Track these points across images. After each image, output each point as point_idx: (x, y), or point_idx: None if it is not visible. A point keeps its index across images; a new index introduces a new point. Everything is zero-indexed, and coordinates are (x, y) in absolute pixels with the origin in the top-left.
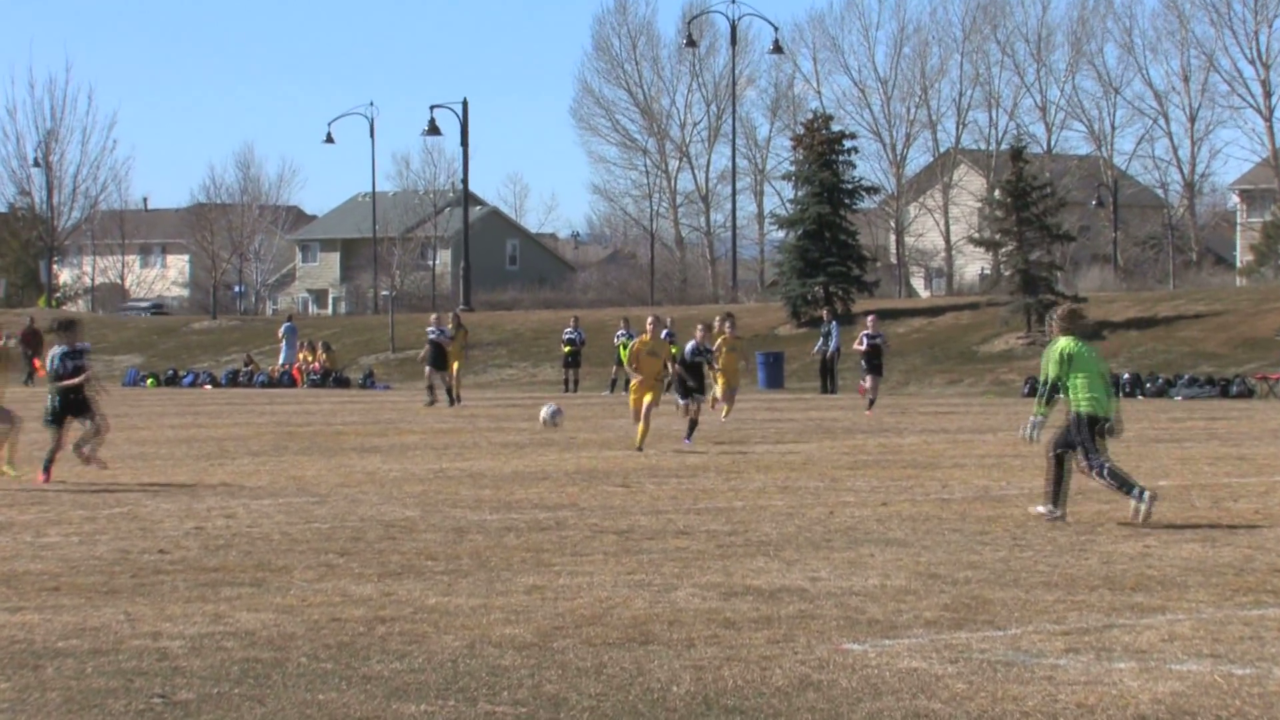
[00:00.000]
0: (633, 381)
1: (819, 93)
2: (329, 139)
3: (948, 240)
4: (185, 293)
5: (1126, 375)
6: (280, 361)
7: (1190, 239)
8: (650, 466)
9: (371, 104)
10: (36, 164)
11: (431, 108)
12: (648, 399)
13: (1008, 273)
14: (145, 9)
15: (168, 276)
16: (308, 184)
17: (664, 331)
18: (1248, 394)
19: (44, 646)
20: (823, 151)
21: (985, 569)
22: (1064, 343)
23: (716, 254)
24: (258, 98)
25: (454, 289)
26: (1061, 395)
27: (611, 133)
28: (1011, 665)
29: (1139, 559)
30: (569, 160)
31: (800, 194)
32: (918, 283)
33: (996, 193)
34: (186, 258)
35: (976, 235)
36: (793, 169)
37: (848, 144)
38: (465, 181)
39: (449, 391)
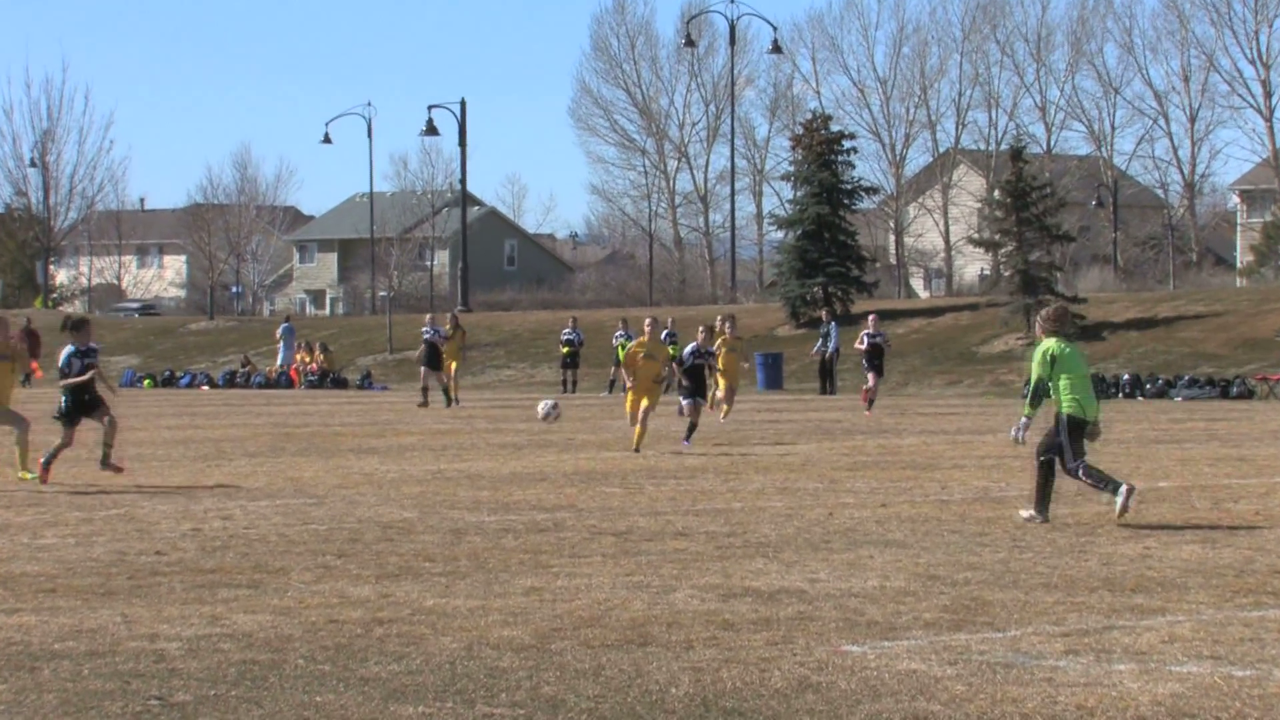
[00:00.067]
0: (629, 389)
1: (818, 93)
2: (326, 139)
3: (947, 241)
4: (182, 293)
5: (1126, 376)
6: (279, 362)
7: (1190, 239)
8: (649, 468)
9: (369, 104)
10: (33, 164)
11: (429, 108)
12: (645, 402)
13: (1007, 273)
14: (142, 9)
15: (165, 277)
16: (305, 184)
17: (664, 332)
18: (1248, 395)
19: (40, 648)
20: (822, 152)
21: (985, 570)
22: (1050, 344)
23: (715, 254)
24: (255, 98)
25: (452, 289)
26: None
27: (610, 133)
28: (1011, 667)
29: (1139, 560)
30: (567, 161)
31: (799, 194)
32: (917, 283)
33: (996, 193)
34: (183, 258)
35: (976, 236)
36: (792, 169)
37: (847, 144)
38: (463, 182)
39: (445, 392)
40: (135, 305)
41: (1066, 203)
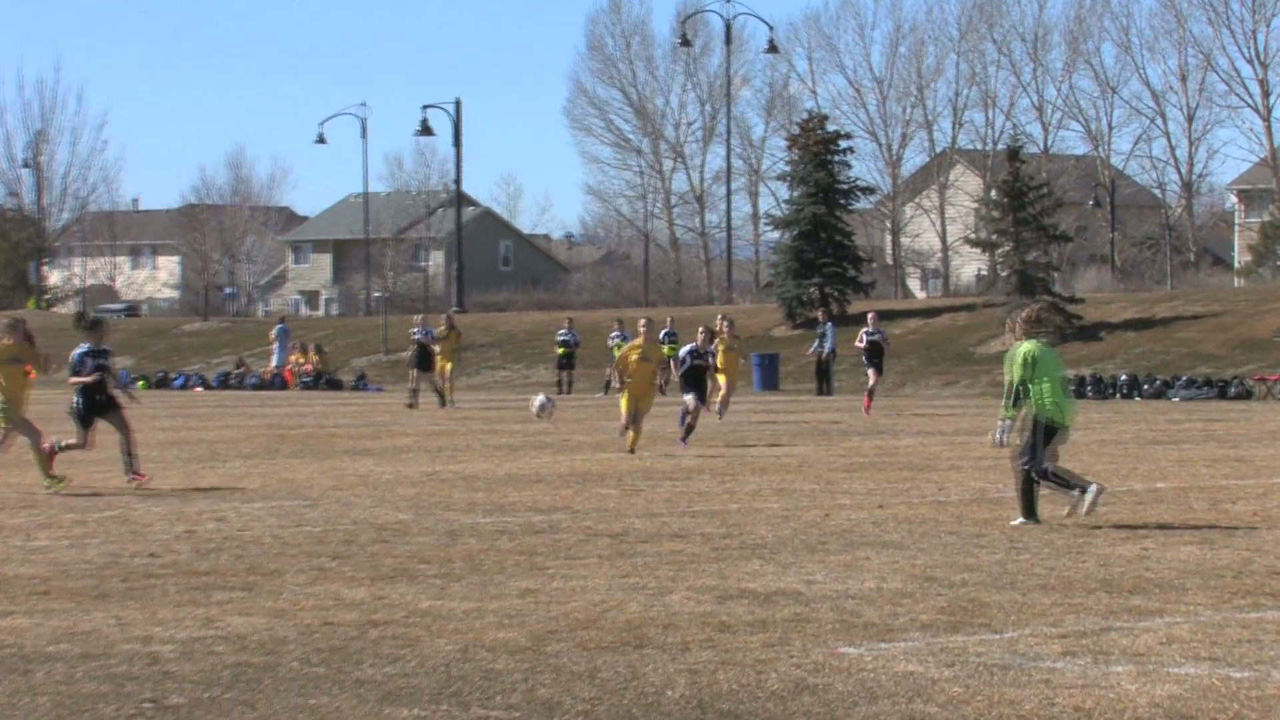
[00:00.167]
0: (625, 389)
1: (814, 92)
2: (320, 139)
3: (944, 241)
4: (176, 294)
5: (1124, 376)
6: (274, 363)
7: (1188, 239)
8: (644, 469)
9: (363, 104)
10: (26, 165)
11: (424, 108)
12: (640, 405)
13: (1004, 273)
14: (135, 9)
15: (158, 278)
16: (299, 185)
17: (663, 331)
18: (1246, 395)
19: (34, 651)
20: (818, 152)
21: (982, 572)
22: (1027, 346)
23: (711, 255)
24: (249, 98)
25: (447, 290)
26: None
27: (605, 133)
28: (1008, 669)
29: (1136, 562)
30: (563, 161)
31: (795, 194)
32: (914, 284)
33: (993, 193)
34: (177, 259)
35: (973, 236)
36: (788, 169)
37: (843, 144)
38: (458, 182)
39: (439, 393)
40: (119, 307)
41: (1063, 203)
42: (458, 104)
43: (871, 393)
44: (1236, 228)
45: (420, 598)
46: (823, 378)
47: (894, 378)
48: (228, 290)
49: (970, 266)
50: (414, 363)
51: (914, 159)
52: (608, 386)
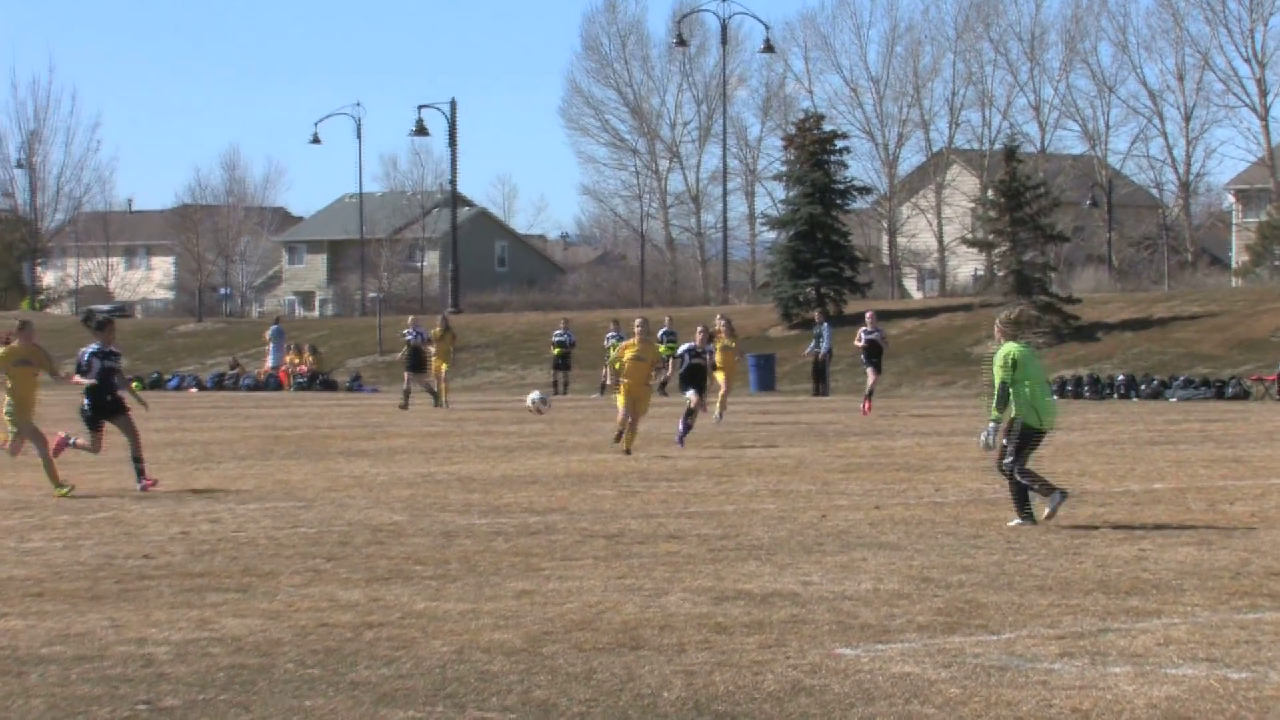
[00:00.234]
0: (621, 385)
1: (810, 92)
2: (315, 140)
3: (941, 241)
4: (170, 295)
5: (1121, 377)
6: (269, 364)
7: (1185, 239)
8: (640, 470)
9: (358, 104)
10: (20, 165)
11: (419, 108)
12: (636, 406)
13: (1001, 274)
14: (129, 9)
15: (153, 279)
16: (294, 185)
17: (662, 331)
18: (1243, 396)
19: (27, 653)
20: (814, 151)
21: (979, 573)
22: (1010, 348)
23: (707, 255)
24: (243, 98)
25: (442, 291)
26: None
27: (601, 133)
28: (1005, 670)
29: (1134, 563)
30: (558, 161)
31: (792, 194)
32: (910, 284)
33: (990, 193)
34: (171, 259)
35: (970, 236)
36: (784, 169)
37: (840, 144)
38: (453, 182)
39: (433, 393)
40: (107, 308)
41: (1061, 202)
42: (453, 104)
43: (870, 394)
44: (1234, 227)
45: (416, 599)
46: (819, 378)
47: (890, 378)
48: (222, 291)
49: (967, 266)
50: (407, 364)
51: (911, 159)
52: (603, 387)
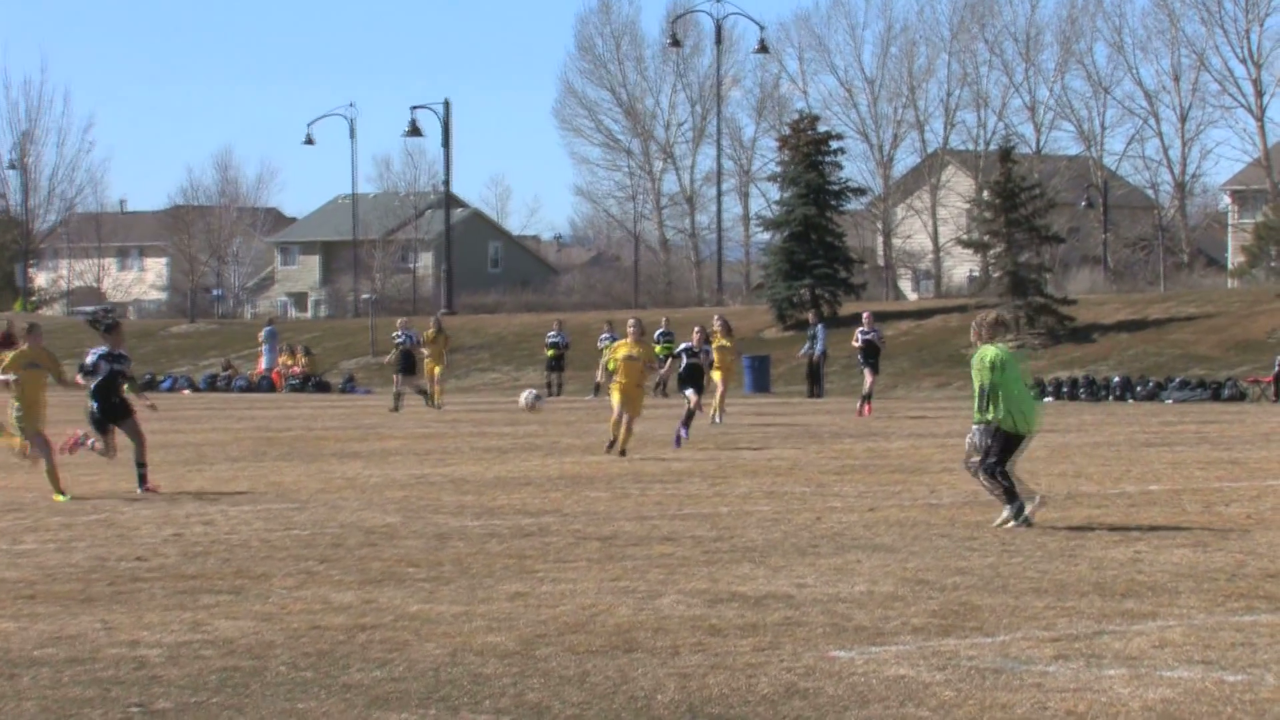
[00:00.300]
0: (614, 384)
1: (805, 93)
2: (309, 140)
3: (936, 242)
4: (163, 296)
5: (1117, 378)
6: (263, 366)
7: (1181, 240)
8: (635, 472)
9: (352, 105)
10: (12, 166)
11: (412, 109)
12: (629, 407)
13: (996, 275)
14: (122, 9)
15: (145, 280)
16: (287, 186)
17: (658, 332)
18: (1240, 397)
19: (20, 655)
20: (809, 152)
21: (974, 575)
22: (991, 351)
23: (701, 256)
24: (236, 98)
25: (435, 292)
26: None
27: (595, 134)
28: (1000, 672)
29: (1129, 565)
30: (552, 162)
31: (786, 195)
32: (905, 285)
33: (985, 194)
34: (164, 260)
35: (965, 237)
36: (778, 170)
37: (834, 145)
38: (447, 183)
39: (425, 394)
40: (91, 309)
41: (1056, 203)
42: (446, 105)
43: (869, 397)
44: (1230, 228)
45: (409, 601)
46: (814, 379)
47: (886, 379)
48: (215, 292)
49: (962, 268)
50: (397, 367)
51: (905, 160)
52: (597, 388)
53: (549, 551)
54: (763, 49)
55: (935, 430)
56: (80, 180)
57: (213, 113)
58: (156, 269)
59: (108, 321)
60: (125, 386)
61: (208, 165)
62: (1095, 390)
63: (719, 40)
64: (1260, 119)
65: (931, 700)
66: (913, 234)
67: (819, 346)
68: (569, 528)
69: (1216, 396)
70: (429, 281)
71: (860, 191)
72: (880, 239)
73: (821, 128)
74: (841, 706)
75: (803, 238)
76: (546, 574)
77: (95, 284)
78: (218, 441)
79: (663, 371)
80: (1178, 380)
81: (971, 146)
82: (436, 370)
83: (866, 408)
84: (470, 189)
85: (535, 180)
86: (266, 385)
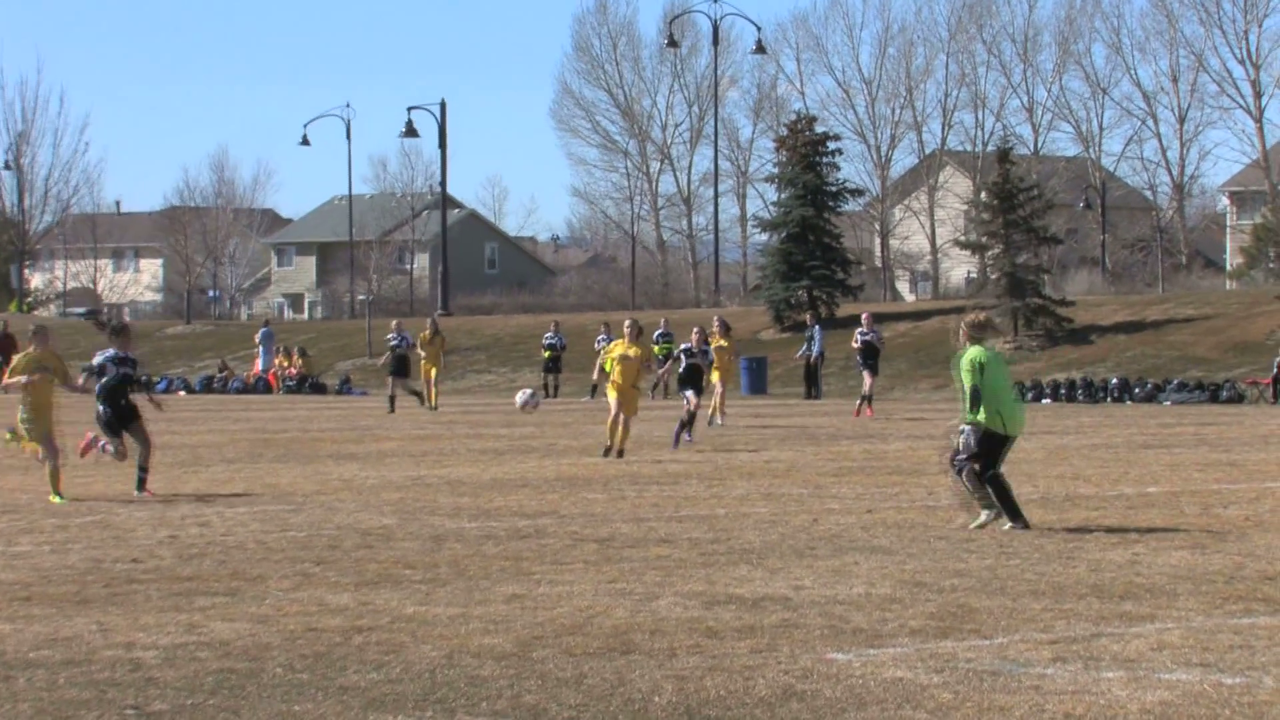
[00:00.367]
0: (610, 384)
1: (802, 94)
2: (305, 141)
3: (933, 243)
4: (159, 297)
5: (1115, 380)
6: (259, 367)
7: (1179, 241)
8: (631, 473)
9: (348, 105)
10: (7, 167)
11: (409, 109)
12: (625, 408)
13: (994, 276)
14: (118, 10)
15: (141, 281)
16: (283, 187)
17: (657, 333)
18: (1238, 399)
19: (15, 657)
20: (806, 153)
21: (971, 577)
22: (976, 351)
23: (698, 257)
24: (232, 99)
25: (432, 293)
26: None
27: (592, 134)
28: (998, 675)
29: (1127, 567)
30: (549, 163)
31: (783, 196)
32: (903, 286)
33: (983, 195)
34: (160, 261)
35: (963, 238)
36: (776, 171)
37: (831, 145)
38: (443, 184)
39: (418, 394)
40: (81, 311)
41: (1054, 204)
42: (443, 105)
43: (870, 399)
44: (1228, 230)
45: (405, 603)
46: (811, 381)
47: (883, 380)
48: (211, 293)
49: (960, 269)
50: (391, 370)
51: (903, 160)
52: (594, 390)
53: (546, 553)
54: (760, 49)
55: (933, 432)
56: (76, 181)
57: (209, 113)
58: (152, 270)
59: (116, 324)
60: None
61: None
62: (1093, 392)
63: (716, 41)
64: (1259, 120)
65: (929, 702)
66: (910, 235)
67: (816, 348)
68: (566, 529)
69: (1215, 398)
70: (425, 282)
71: (858, 192)
72: (878, 240)
73: (819, 128)
74: (839, 709)
75: (800, 239)
76: (543, 576)
77: (90, 285)
78: (213, 443)
79: (661, 372)
80: (1176, 382)
81: (969, 147)
82: (433, 372)
83: (868, 410)
84: (467, 190)
85: (532, 181)
86: (262, 387)
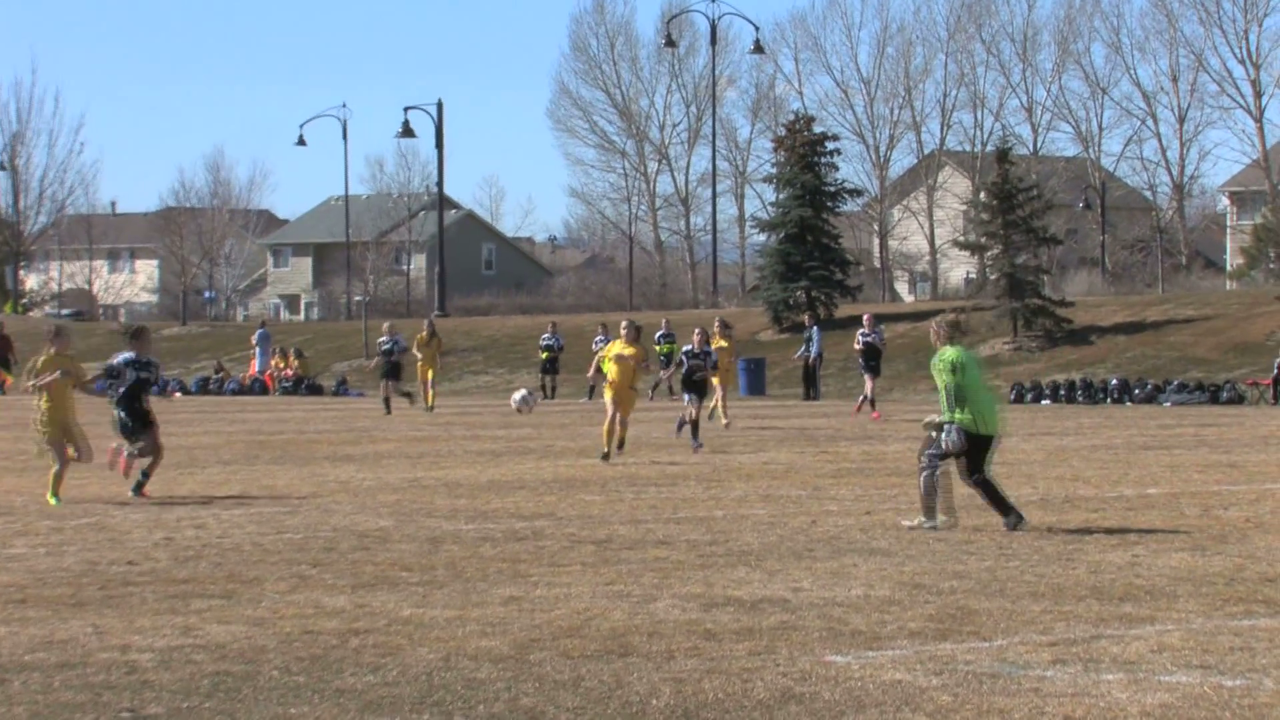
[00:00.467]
0: (608, 385)
1: (801, 93)
2: (301, 141)
3: (932, 244)
4: (154, 298)
5: (1115, 381)
6: (255, 368)
7: (1179, 242)
8: (629, 475)
9: (344, 105)
10: (2, 168)
11: (405, 109)
12: (621, 409)
13: (993, 276)
14: (113, 10)
15: (136, 282)
16: (279, 187)
17: (658, 334)
18: (1238, 400)
19: (10, 660)
20: (805, 153)
21: (971, 579)
22: (951, 352)
23: (696, 258)
24: (228, 100)
25: (429, 294)
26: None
27: (589, 134)
28: (997, 677)
29: (1127, 568)
30: (546, 163)
31: (782, 197)
32: (902, 287)
33: (982, 195)
34: (156, 263)
35: (962, 238)
36: (774, 171)
37: (830, 146)
38: (440, 184)
39: (407, 395)
40: (68, 312)
41: (1053, 205)
42: (439, 105)
43: (873, 402)
44: (1228, 230)
45: (402, 605)
46: (810, 382)
47: (882, 382)
48: (207, 294)
49: (959, 269)
50: (383, 373)
51: (902, 160)
52: (591, 391)
53: (543, 555)
54: (758, 49)
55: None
56: (71, 182)
57: (204, 114)
58: (147, 271)
59: (133, 328)
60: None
61: (199, 166)
62: (1093, 393)
63: (714, 41)
64: (1259, 120)
65: (928, 705)
66: (909, 235)
67: (814, 349)
68: (563, 531)
69: (1215, 399)
70: (422, 283)
71: (856, 193)
72: (876, 241)
73: (817, 128)
74: (838, 711)
75: (798, 239)
76: (540, 578)
77: (86, 286)
78: (209, 445)
79: (663, 375)
80: (1176, 383)
81: (968, 147)
82: (430, 373)
83: (873, 413)
84: (464, 190)
85: (529, 181)
86: (259, 388)
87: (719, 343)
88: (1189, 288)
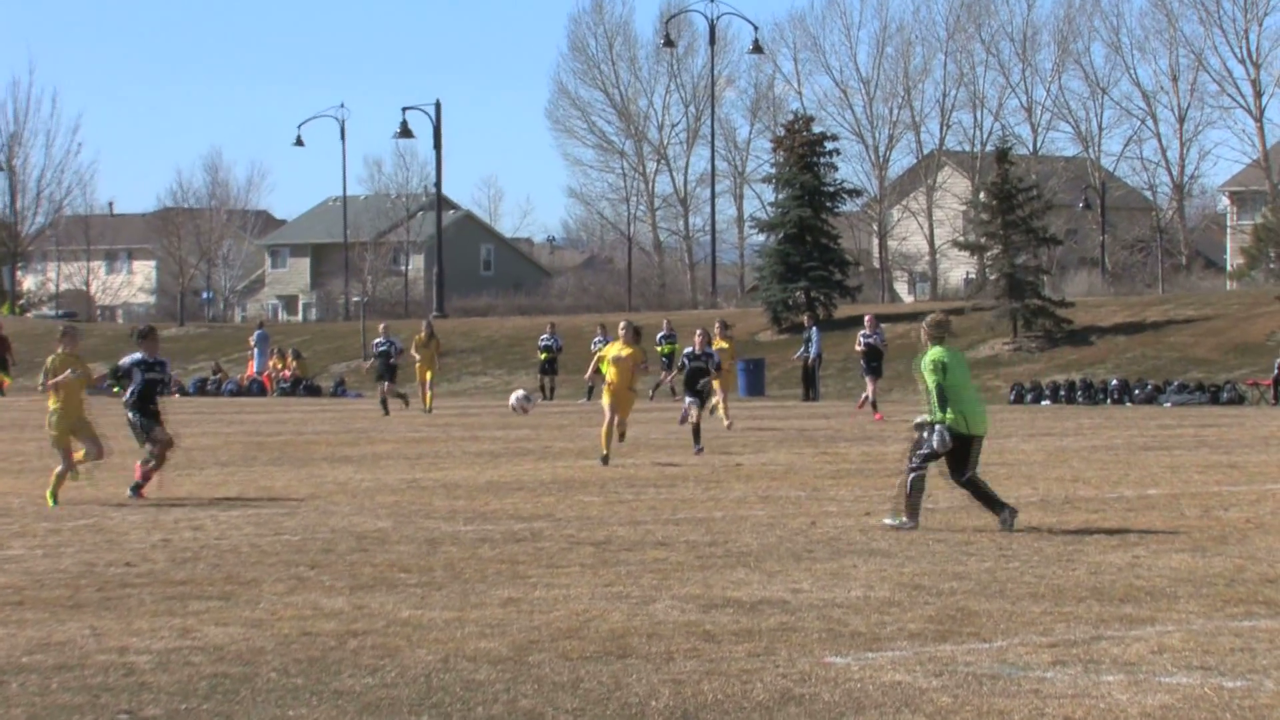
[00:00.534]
0: (606, 387)
1: (800, 93)
2: (299, 142)
3: (932, 244)
4: (152, 299)
5: (1115, 381)
6: (253, 369)
7: (1179, 242)
8: (628, 476)
9: (342, 106)
10: None
11: (403, 110)
12: (619, 410)
13: (993, 277)
14: (110, 10)
15: (134, 283)
16: (277, 188)
17: (660, 335)
18: (1238, 400)
19: (7, 662)
20: (804, 154)
21: (970, 580)
22: (937, 351)
23: (695, 258)
24: (226, 100)
25: (427, 295)
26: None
27: (588, 135)
28: (997, 678)
29: (1127, 569)
30: (545, 163)
31: (781, 197)
32: (901, 287)
33: (981, 195)
34: (153, 263)
35: (961, 239)
36: (773, 171)
37: (829, 146)
38: (438, 185)
39: (401, 396)
40: (60, 314)
41: (1053, 205)
42: (438, 106)
43: (874, 403)
44: (1229, 230)
45: (400, 607)
46: (809, 383)
47: (882, 382)
48: (205, 295)
49: (958, 270)
50: (377, 375)
51: (901, 161)
52: (590, 392)
53: (541, 557)
54: (757, 49)
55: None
56: (68, 182)
57: (202, 114)
58: (145, 272)
59: (142, 329)
60: (113, 389)
61: (197, 167)
62: (1093, 393)
63: (713, 40)
64: (1259, 120)
65: (928, 706)
66: (909, 236)
67: (814, 349)
68: (562, 533)
69: (1215, 400)
70: (420, 284)
71: (856, 193)
72: (876, 241)
73: (816, 129)
74: (837, 713)
75: (798, 240)
76: (539, 579)
77: (83, 287)
78: (207, 446)
79: (665, 377)
80: (1176, 383)
81: (968, 147)
82: (428, 374)
83: (876, 415)
84: (462, 191)
85: (527, 182)
86: (257, 389)
87: (719, 344)
88: (1189, 288)
